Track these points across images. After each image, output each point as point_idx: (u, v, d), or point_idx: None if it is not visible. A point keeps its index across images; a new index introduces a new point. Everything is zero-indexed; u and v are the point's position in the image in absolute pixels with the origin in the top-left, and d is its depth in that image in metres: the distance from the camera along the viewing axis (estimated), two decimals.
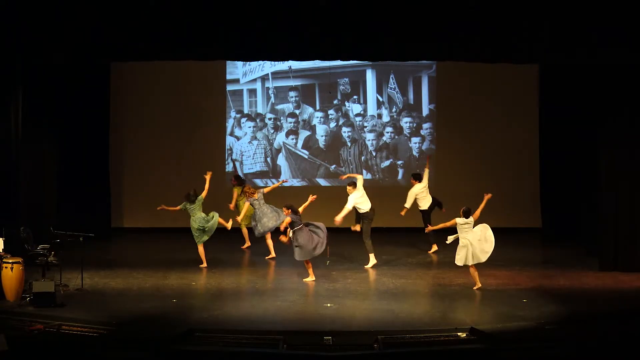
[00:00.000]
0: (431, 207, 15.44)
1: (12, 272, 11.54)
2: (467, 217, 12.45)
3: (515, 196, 18.10)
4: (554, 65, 16.13)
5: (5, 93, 13.52)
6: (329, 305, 11.61)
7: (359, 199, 13.98)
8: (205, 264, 13.98)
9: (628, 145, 13.61)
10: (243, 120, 18.27)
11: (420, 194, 15.38)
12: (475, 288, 12.54)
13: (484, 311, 11.33)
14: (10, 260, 11.62)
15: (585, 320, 10.82)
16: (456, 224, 12.55)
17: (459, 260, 12.54)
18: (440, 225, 12.99)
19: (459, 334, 10.17)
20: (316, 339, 10.00)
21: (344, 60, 17.03)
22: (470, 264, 12.53)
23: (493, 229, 12.74)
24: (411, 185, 15.55)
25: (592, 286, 12.81)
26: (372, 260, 14.15)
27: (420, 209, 15.47)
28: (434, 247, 15.34)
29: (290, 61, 17.37)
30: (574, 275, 13.55)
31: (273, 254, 14.79)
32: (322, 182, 18.37)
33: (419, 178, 15.55)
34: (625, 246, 13.73)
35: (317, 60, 16.56)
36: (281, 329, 10.30)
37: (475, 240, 12.47)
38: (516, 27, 12.10)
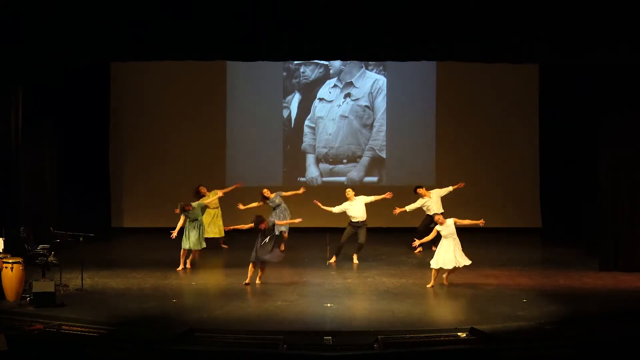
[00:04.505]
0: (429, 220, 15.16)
1: (12, 272, 11.54)
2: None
3: (515, 196, 18.12)
4: (554, 65, 16.13)
5: (5, 93, 13.54)
6: (329, 305, 11.61)
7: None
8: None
9: (628, 145, 13.60)
10: None
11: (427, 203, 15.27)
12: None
13: (484, 311, 11.32)
14: (10, 260, 11.62)
15: (585, 320, 10.81)
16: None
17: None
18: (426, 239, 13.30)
19: (459, 334, 10.16)
20: (316, 339, 10.00)
21: (344, 60, 17.12)
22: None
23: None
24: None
25: (592, 286, 12.80)
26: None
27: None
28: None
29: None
30: (574, 275, 13.55)
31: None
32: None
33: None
34: (625, 246, 13.73)
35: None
36: (281, 329, 10.29)
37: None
38: (516, 27, 12.10)
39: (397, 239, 16.16)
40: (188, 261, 14.10)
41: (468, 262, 12.68)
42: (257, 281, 12.91)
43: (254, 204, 15.15)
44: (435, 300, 12.25)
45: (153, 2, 11.95)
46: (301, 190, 15.45)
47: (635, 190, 13.63)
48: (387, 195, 14.55)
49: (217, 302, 11.81)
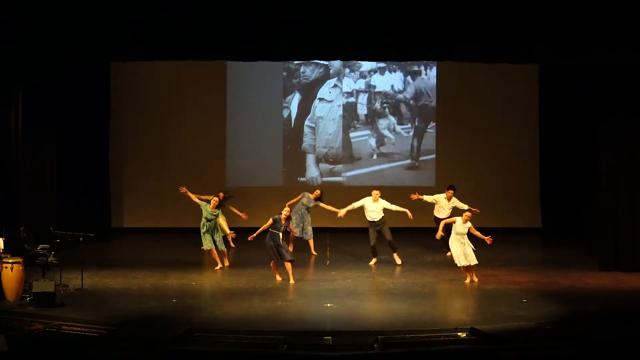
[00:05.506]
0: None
1: (12, 272, 11.54)
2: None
3: (515, 196, 18.12)
4: (554, 65, 16.13)
5: (5, 93, 13.53)
6: (329, 305, 11.61)
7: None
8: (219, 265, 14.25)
9: (628, 145, 13.60)
10: None
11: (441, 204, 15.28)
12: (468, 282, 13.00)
13: (484, 311, 11.32)
14: (10, 260, 11.62)
15: (585, 320, 10.82)
16: (455, 222, 12.97)
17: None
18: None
19: (459, 334, 10.16)
20: (316, 339, 10.00)
21: (344, 60, 17.12)
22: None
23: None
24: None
25: (592, 286, 12.80)
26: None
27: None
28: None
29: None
30: (574, 275, 13.55)
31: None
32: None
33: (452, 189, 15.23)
34: (625, 246, 13.73)
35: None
36: (281, 329, 10.29)
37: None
38: (516, 27, 12.10)
39: (397, 239, 16.13)
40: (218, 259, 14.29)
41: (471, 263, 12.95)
42: (292, 281, 12.94)
43: (296, 199, 15.30)
44: (435, 300, 12.25)
45: (153, 2, 11.95)
46: (338, 210, 14.82)
47: (635, 190, 13.63)
48: (409, 214, 14.34)
49: (217, 302, 11.81)
